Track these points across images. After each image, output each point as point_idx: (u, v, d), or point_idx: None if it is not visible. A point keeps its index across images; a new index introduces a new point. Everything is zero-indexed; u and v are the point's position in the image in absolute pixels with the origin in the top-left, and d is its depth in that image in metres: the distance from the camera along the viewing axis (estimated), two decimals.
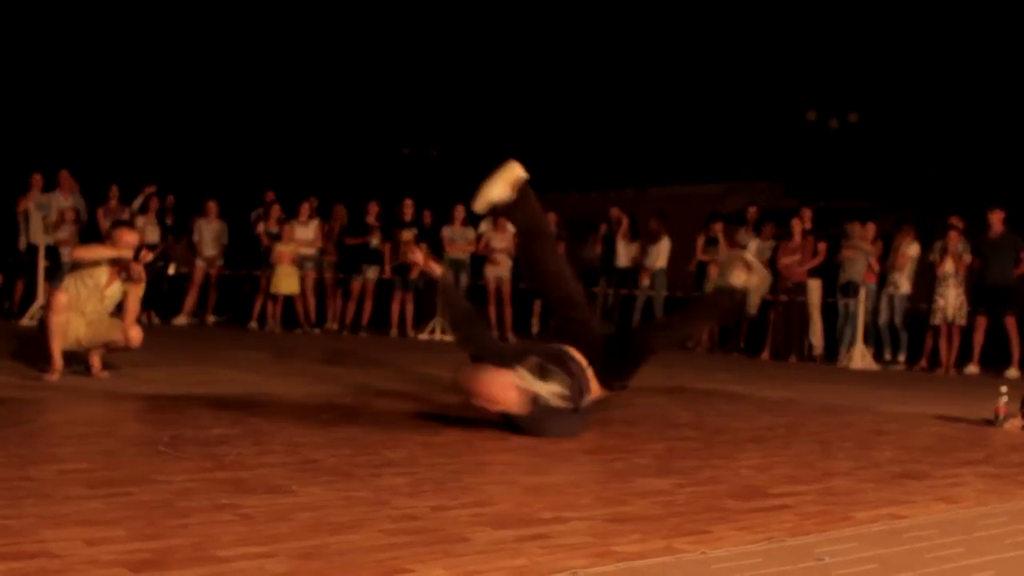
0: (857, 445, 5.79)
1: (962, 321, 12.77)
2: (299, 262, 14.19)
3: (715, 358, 13.60)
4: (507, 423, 5.42)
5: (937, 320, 12.85)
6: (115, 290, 7.40)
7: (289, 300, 14.30)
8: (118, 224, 7.93)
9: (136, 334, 7.32)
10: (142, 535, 3.02)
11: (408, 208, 14.72)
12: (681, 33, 32.29)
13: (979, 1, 26.57)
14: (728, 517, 3.73)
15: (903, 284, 13.21)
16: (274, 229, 14.35)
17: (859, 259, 13.37)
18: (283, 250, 14.01)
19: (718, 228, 14.79)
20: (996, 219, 12.81)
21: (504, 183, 5.85)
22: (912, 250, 13.25)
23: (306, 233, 14.32)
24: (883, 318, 13.31)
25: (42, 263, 12.90)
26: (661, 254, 14.62)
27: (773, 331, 13.67)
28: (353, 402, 6.69)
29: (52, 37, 27.86)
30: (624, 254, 14.97)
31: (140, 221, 14.03)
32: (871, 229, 13.55)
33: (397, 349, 12.15)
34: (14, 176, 14.56)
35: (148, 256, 7.42)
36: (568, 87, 34.02)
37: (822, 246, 13.80)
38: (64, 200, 13.91)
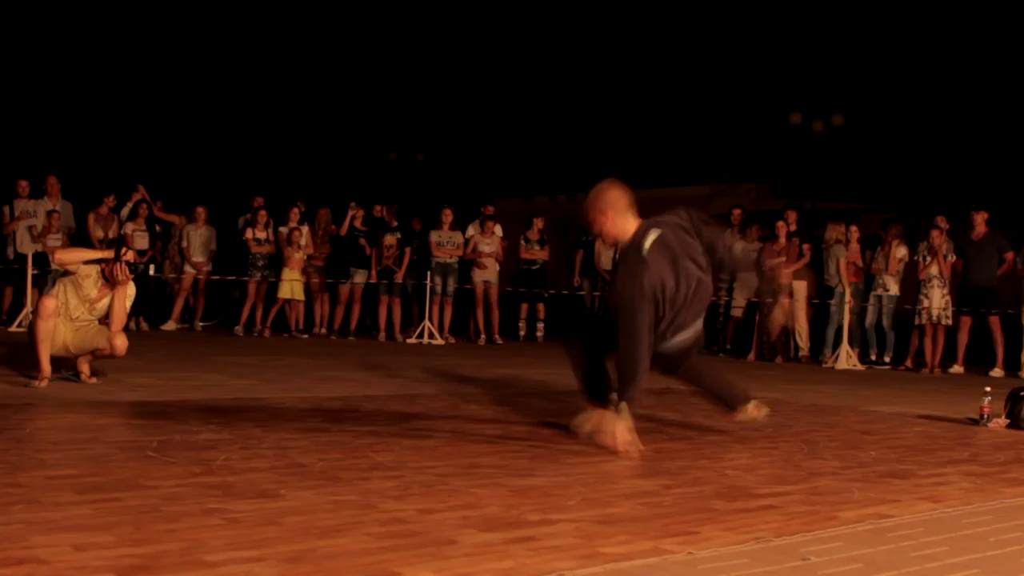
0: (843, 445, 5.82)
1: (947, 321, 12.84)
2: (305, 268, 14.22)
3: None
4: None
5: (922, 320, 12.92)
6: (105, 304, 7.41)
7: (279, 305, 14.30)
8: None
9: (121, 342, 7.31)
10: (131, 540, 3.03)
11: (391, 212, 14.74)
12: (666, 37, 32.36)
13: (963, 5, 26.69)
14: (715, 518, 3.75)
15: (892, 286, 13.28)
16: (262, 235, 14.33)
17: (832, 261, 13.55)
18: (295, 257, 14.02)
19: None
20: (980, 220, 12.88)
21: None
22: (900, 252, 13.32)
23: (301, 238, 14.30)
24: (869, 319, 13.38)
25: (30, 270, 12.87)
26: None
27: (759, 332, 13.71)
28: (341, 406, 6.69)
29: (41, 45, 27.81)
30: (605, 257, 14.96)
31: (129, 227, 14.01)
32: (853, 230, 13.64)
33: (384, 353, 12.15)
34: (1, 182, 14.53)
35: (130, 255, 7.43)
36: (554, 91, 34.05)
37: (807, 248, 13.86)
38: (52, 206, 13.88)
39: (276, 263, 14.22)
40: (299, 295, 14.18)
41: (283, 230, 14.30)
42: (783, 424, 6.73)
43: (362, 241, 14.45)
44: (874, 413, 7.70)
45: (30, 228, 13.66)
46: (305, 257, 14.25)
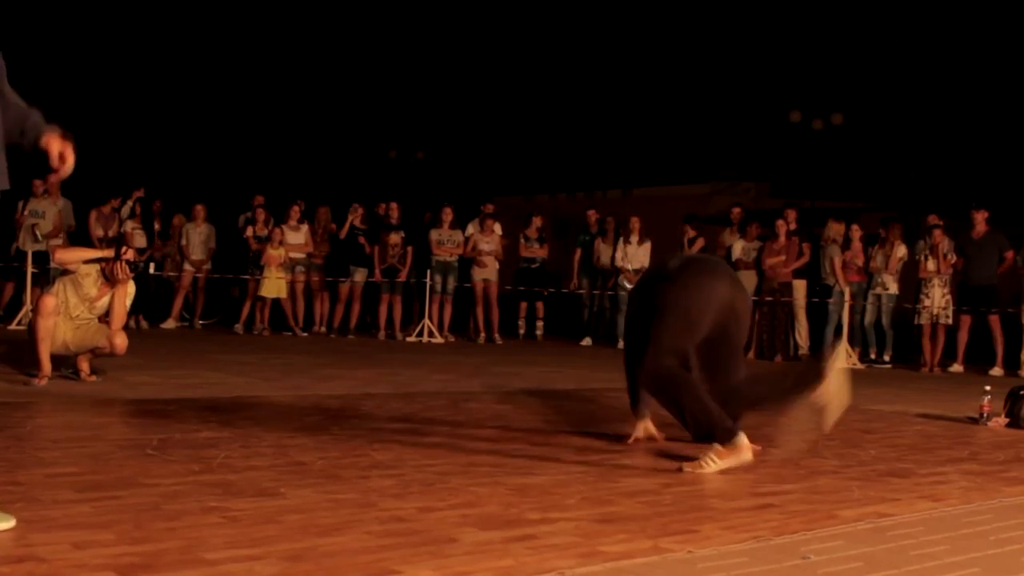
0: (843, 444, 5.82)
1: (947, 320, 12.83)
2: (288, 266, 14.17)
3: None
4: None
5: (923, 320, 12.92)
6: (105, 302, 7.42)
7: (277, 303, 14.27)
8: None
9: (121, 341, 7.32)
10: (130, 538, 3.03)
11: (394, 211, 14.72)
12: (666, 36, 32.35)
13: (963, 5, 26.69)
14: (714, 516, 3.75)
15: (891, 285, 13.28)
16: (263, 233, 14.33)
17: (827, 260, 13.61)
18: (272, 253, 13.98)
19: (689, 231, 14.82)
20: (980, 218, 12.87)
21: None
22: (901, 251, 13.32)
23: (297, 237, 14.29)
24: (869, 318, 13.38)
25: (30, 268, 12.86)
26: (642, 255, 14.55)
27: (759, 331, 13.70)
28: (341, 404, 6.69)
29: (41, 42, 27.81)
30: (605, 255, 14.94)
31: (128, 226, 14.00)
32: (844, 228, 13.67)
33: (384, 351, 12.15)
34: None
35: (130, 254, 7.44)
36: (554, 90, 34.06)
37: (807, 246, 13.86)
38: (55, 204, 13.87)
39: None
40: (276, 293, 14.09)
41: (277, 229, 14.28)
42: (783, 423, 6.72)
43: (361, 240, 14.44)
44: (874, 412, 7.70)
45: (33, 227, 13.62)
46: (301, 256, 14.23)
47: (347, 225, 14.39)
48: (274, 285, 14.00)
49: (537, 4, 33.51)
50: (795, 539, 3.44)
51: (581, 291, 15.32)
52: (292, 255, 14.22)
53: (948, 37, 26.89)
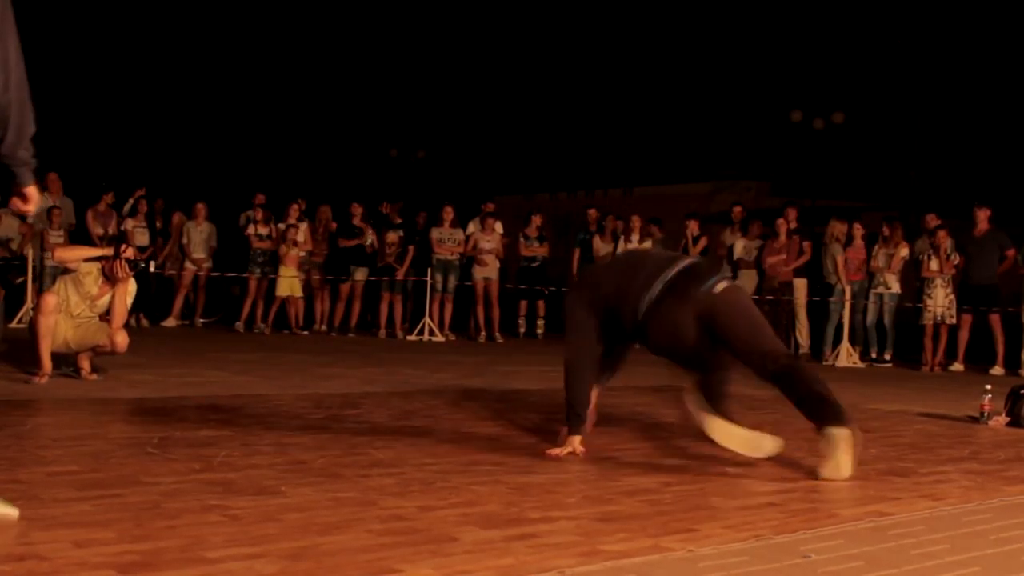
0: None
1: (952, 320, 12.81)
2: (301, 265, 14.20)
3: None
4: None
5: (926, 320, 12.89)
6: (106, 301, 7.43)
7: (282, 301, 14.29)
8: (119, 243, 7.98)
9: (122, 339, 7.32)
10: (131, 537, 3.03)
11: (395, 210, 14.73)
12: (668, 34, 32.34)
13: (963, 5, 26.68)
14: (715, 515, 3.75)
15: (893, 284, 13.27)
16: (264, 231, 14.32)
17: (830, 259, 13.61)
18: (292, 253, 14.02)
19: (693, 226, 14.82)
20: (983, 216, 12.86)
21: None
22: (903, 251, 13.31)
23: (297, 235, 14.30)
24: (870, 317, 13.37)
25: (31, 266, 12.87)
26: None
27: None
28: (341, 403, 6.69)
29: (42, 41, 27.82)
30: (604, 252, 14.93)
31: (129, 224, 14.01)
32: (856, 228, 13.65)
33: (385, 350, 12.15)
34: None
35: (130, 252, 7.44)
36: (555, 89, 34.04)
37: (807, 245, 13.85)
38: (53, 202, 13.85)
39: (277, 260, 14.22)
40: (297, 292, 14.18)
41: (282, 227, 14.31)
42: (783, 422, 6.72)
43: (361, 240, 14.45)
44: (874, 411, 7.70)
45: (7, 241, 13.52)
46: (302, 254, 14.24)
47: (353, 242, 14.40)
48: (289, 284, 14.04)
49: (537, 4, 33.50)
50: (795, 538, 3.44)
51: None
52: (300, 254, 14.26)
53: (948, 37, 26.88)
